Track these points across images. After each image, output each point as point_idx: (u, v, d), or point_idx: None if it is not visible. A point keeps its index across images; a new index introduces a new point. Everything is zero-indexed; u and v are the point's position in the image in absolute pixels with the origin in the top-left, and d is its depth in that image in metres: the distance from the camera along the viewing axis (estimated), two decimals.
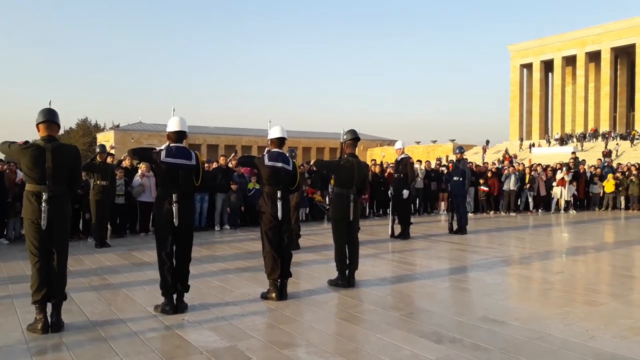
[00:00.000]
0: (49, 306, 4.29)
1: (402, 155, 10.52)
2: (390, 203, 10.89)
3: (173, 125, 4.96)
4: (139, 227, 11.05)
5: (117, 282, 6.27)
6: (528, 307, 5.12)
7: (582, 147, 48.26)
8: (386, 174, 15.28)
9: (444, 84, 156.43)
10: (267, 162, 5.41)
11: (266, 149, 5.71)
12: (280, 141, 5.57)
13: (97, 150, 9.92)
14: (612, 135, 51.23)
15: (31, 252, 4.29)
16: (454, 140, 58.61)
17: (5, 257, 8.14)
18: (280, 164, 5.43)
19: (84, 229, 10.39)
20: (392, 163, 13.33)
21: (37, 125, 4.42)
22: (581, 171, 18.35)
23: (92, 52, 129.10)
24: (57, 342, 4.02)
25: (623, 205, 18.24)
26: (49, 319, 4.26)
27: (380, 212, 15.41)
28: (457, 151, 11.51)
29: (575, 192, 17.31)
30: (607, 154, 38.27)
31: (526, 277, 6.70)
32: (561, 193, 17.09)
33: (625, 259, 8.05)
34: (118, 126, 66.42)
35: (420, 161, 16.56)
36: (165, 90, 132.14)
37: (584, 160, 22.03)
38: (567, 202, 17.13)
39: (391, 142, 66.81)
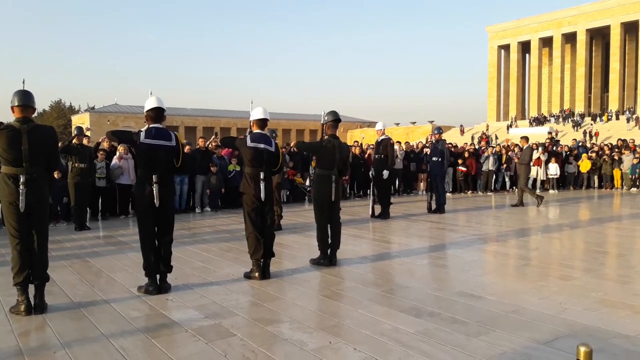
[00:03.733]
0: (31, 288, 4.28)
1: (383, 137, 10.59)
2: (371, 184, 10.99)
3: (150, 103, 4.91)
4: (119, 210, 10.97)
5: (98, 264, 6.25)
6: (504, 282, 5.29)
7: (556, 132, 49.10)
8: (366, 155, 15.38)
9: (423, 65, 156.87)
10: (249, 143, 5.42)
11: (248, 130, 5.72)
12: (262, 122, 5.58)
13: (74, 132, 9.76)
14: (575, 117, 52.15)
15: (11, 234, 4.25)
16: (433, 121, 59.07)
17: None
18: (262, 145, 5.44)
19: (62, 213, 10.27)
20: (372, 144, 13.41)
21: (12, 107, 4.34)
22: (559, 151, 18.72)
23: (66, 33, 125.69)
24: (41, 323, 4.03)
25: (596, 184, 18.71)
26: (32, 300, 4.25)
27: (361, 193, 15.54)
28: (436, 132, 11.63)
29: (557, 172, 17.56)
30: (595, 134, 39.14)
31: (503, 254, 6.88)
32: (537, 173, 17.43)
33: (598, 235, 8.31)
34: (93, 108, 65.08)
35: (399, 142, 16.70)
36: (141, 72, 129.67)
37: (558, 140, 22.48)
38: (543, 181, 17.49)
39: (371, 124, 67.03)
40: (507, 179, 17.39)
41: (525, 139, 13.56)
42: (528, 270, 5.83)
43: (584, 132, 44.08)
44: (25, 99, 4.31)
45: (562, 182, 18.56)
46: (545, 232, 8.65)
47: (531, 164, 17.28)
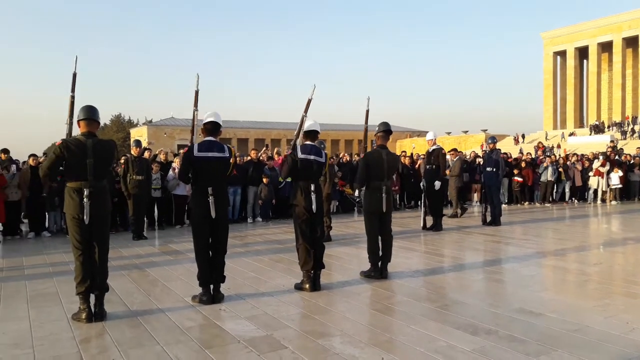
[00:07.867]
0: (92, 296, 4.44)
1: (434, 146, 10.42)
2: (422, 195, 10.82)
3: (208, 117, 5.07)
4: (175, 220, 11.28)
5: (155, 273, 6.43)
6: (565, 299, 5.04)
7: (624, 136, 46.75)
8: (417, 166, 15.15)
9: (476, 73, 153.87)
10: (300, 155, 5.45)
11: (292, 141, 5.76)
12: (313, 134, 5.61)
13: (132, 145, 10.15)
14: (630, 126, 49.38)
15: (74, 246, 4.43)
16: (486, 130, 57.61)
17: (48, 249, 8.46)
18: (312, 157, 5.47)
19: (121, 223, 10.66)
20: (423, 154, 13.21)
21: (78, 122, 4.56)
22: (622, 160, 17.78)
23: (126, 50, 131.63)
24: (101, 331, 4.17)
25: None
26: (92, 308, 4.41)
27: (412, 204, 15.31)
28: (490, 141, 11.33)
29: (618, 184, 16.56)
30: None
31: (562, 268, 6.58)
32: (598, 183, 16.63)
33: None
34: (151, 122, 67.55)
35: (458, 151, 16.36)
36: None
37: (621, 149, 21.36)
38: (604, 192, 16.65)
39: (421, 133, 66.07)
40: (567, 190, 16.68)
41: (455, 150, 14.04)
42: (591, 286, 5.54)
43: None
44: (90, 113, 4.52)
45: (627, 193, 17.61)
46: (607, 246, 8.22)
47: (590, 174, 16.53)
